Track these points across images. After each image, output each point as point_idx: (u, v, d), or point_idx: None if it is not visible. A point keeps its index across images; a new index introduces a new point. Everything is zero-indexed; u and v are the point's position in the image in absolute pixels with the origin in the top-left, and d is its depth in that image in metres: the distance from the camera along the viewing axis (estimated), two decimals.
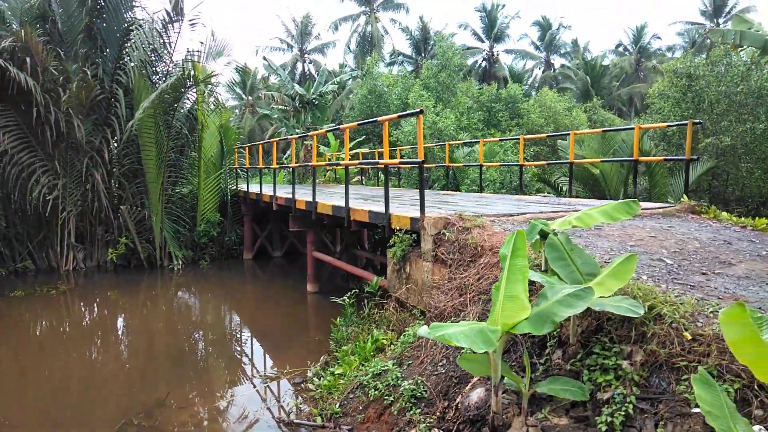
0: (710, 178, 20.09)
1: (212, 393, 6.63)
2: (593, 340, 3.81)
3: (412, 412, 4.33)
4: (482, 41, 44.76)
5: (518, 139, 13.01)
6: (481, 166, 14.84)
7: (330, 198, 10.69)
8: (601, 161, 12.83)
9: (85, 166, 13.71)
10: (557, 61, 49.61)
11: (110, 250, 13.99)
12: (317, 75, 34.97)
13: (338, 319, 7.61)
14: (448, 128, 20.88)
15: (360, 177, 22.03)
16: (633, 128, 8.91)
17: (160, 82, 14.41)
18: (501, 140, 15.38)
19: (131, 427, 5.58)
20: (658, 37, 71.93)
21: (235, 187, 16.59)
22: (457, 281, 5.38)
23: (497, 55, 45.32)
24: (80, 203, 14.15)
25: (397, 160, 8.13)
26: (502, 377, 3.68)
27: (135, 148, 14.15)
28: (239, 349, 8.66)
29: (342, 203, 8.67)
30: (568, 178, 21.24)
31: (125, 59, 13.97)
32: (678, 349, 3.37)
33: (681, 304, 3.71)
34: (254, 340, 9.06)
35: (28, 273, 13.79)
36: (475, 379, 4.20)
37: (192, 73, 13.73)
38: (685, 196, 7.99)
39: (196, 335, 9.40)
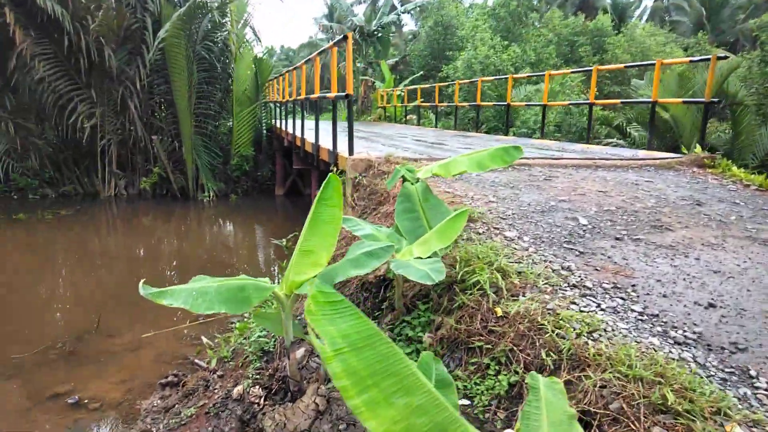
0: None
1: (152, 325, 6.75)
2: (417, 306, 3.26)
3: (253, 365, 4.05)
4: None
5: (590, 70, 10.74)
6: (544, 105, 12.77)
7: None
8: (621, 102, 11.09)
9: (120, 95, 14.21)
10: None
11: (143, 179, 14.66)
12: (398, 3, 33.54)
13: None
14: (504, 64, 19.24)
15: (415, 116, 21.10)
16: (654, 63, 7.50)
17: None
18: (565, 73, 13.35)
19: (53, 350, 5.82)
20: None
21: (270, 122, 16.59)
22: None
23: None
24: (120, 132, 14.81)
25: (317, 95, 7.44)
26: (299, 339, 3.26)
27: (165, 77, 14.41)
28: None
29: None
30: (637, 124, 19.18)
31: None
32: (478, 327, 2.76)
33: (518, 273, 3.04)
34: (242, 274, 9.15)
35: (75, 196, 14.88)
36: None
37: (201, 1, 13.46)
38: (698, 146, 6.70)
39: (184, 265, 9.66)
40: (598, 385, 2.16)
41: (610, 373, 2.15)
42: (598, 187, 5.16)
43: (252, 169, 16.05)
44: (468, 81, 15.94)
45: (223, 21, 14.70)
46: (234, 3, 14.82)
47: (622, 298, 2.89)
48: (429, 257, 3.03)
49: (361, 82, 26.80)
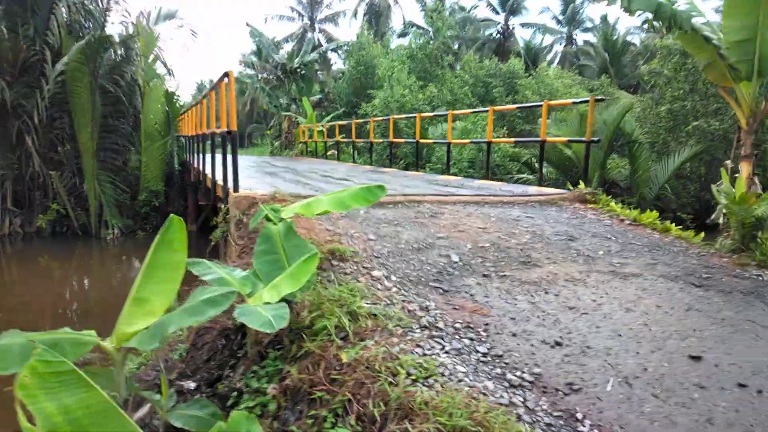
0: (697, 164, 18.63)
1: None
2: (268, 354, 3.08)
3: None
4: (497, 13, 42.88)
5: (487, 111, 11.49)
6: (448, 143, 13.46)
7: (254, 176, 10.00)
8: (514, 141, 11.72)
9: (17, 129, 13.30)
10: (580, 37, 47.21)
11: (39, 216, 13.67)
12: (325, 41, 33.95)
13: None
14: (419, 104, 19.79)
15: (334, 151, 21.17)
16: (542, 105, 7.92)
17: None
18: (465, 113, 14.05)
19: None
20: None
21: (183, 156, 16.05)
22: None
23: (513, 28, 43.46)
24: (16, 167, 13.81)
25: (212, 129, 7.33)
26: (135, 396, 2.99)
27: (68, 111, 13.67)
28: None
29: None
30: (539, 160, 20.15)
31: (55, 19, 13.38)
32: (321, 375, 2.62)
33: (372, 315, 2.95)
34: None
35: None
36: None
37: (104, 34, 13.05)
38: (581, 182, 7.03)
39: (65, 309, 8.95)
40: None
41: (431, 423, 2.06)
42: (479, 223, 5.24)
43: (162, 204, 15.38)
44: (382, 118, 16.18)
45: (130, 55, 14.21)
46: (141, 37, 14.39)
47: (470, 339, 2.86)
48: (279, 301, 2.89)
49: (285, 118, 26.69)
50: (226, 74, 5.56)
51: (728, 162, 6.44)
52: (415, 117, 14.98)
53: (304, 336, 2.83)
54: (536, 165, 19.66)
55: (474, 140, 14.95)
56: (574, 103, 8.56)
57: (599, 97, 7.23)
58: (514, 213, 5.89)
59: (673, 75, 18.70)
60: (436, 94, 22.31)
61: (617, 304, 3.52)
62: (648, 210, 6.02)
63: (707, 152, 18.15)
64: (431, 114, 14.44)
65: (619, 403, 2.37)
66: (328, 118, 23.74)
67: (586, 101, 7.07)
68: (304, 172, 10.96)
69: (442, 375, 2.45)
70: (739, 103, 6.01)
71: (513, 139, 13.05)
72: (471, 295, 3.50)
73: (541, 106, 7.98)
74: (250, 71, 36.00)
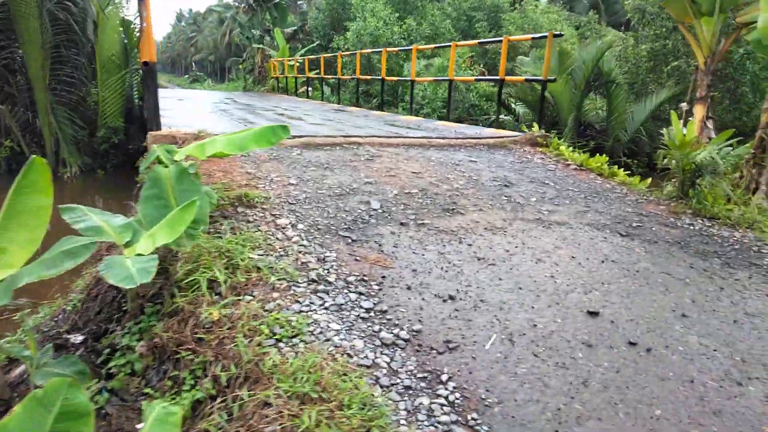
0: (675, 106, 18.31)
1: None
2: (145, 310, 2.90)
3: None
4: None
5: (449, 46, 11.04)
6: (412, 81, 12.99)
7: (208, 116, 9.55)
8: (475, 79, 11.36)
9: None
10: None
11: None
12: None
13: None
14: (395, 38, 18.97)
15: (306, 88, 20.41)
16: (501, 40, 7.50)
17: None
18: (429, 48, 13.49)
19: None
20: None
21: (141, 92, 15.36)
22: None
23: None
24: None
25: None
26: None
27: (14, 39, 12.84)
28: None
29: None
30: (519, 101, 19.66)
31: None
32: (188, 334, 2.45)
33: (256, 269, 2.76)
34: None
35: None
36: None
37: None
38: (535, 124, 6.76)
39: None
40: (262, 405, 1.92)
41: (272, 390, 1.92)
42: (416, 167, 5.01)
43: (122, 141, 14.83)
44: (349, 53, 15.48)
45: None
46: None
47: (359, 293, 2.70)
48: (154, 252, 2.68)
49: (257, 51, 25.61)
50: None
51: (683, 104, 6.19)
52: (379, 51, 14.35)
53: (176, 291, 2.64)
54: (513, 105, 19.26)
55: (437, 78, 14.34)
56: (533, 38, 8.06)
57: (557, 33, 6.84)
58: (458, 156, 5.66)
59: (657, 12, 18.01)
60: (414, 27, 21.41)
61: (530, 254, 3.37)
62: (622, 153, 5.78)
63: (686, 94, 17.83)
64: (397, 49, 13.79)
65: (494, 363, 2.24)
66: (302, 51, 22.79)
67: (545, 36, 6.68)
68: (259, 111, 10.52)
69: (311, 334, 2.29)
70: (698, 40, 5.69)
71: (473, 77, 12.55)
72: (379, 245, 3.32)
73: (501, 42, 7.54)
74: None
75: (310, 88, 20.27)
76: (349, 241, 3.35)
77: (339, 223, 3.59)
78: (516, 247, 3.48)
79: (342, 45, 19.55)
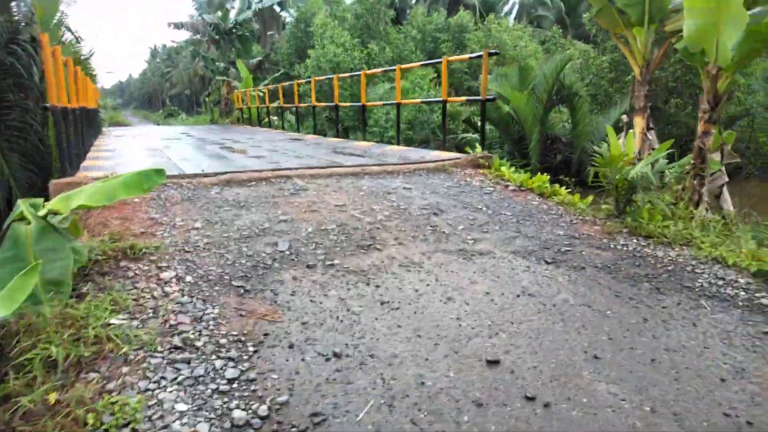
0: None
1: None
2: None
3: None
4: None
5: (394, 69, 10.93)
6: (363, 105, 12.84)
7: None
8: (421, 102, 11.37)
9: None
10: None
11: None
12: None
13: None
14: (355, 63, 18.89)
15: (267, 118, 20.07)
16: (441, 61, 7.31)
17: None
18: (375, 72, 13.25)
19: None
20: None
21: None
22: None
23: None
24: None
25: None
26: None
27: None
28: None
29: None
30: (442, 121, 19.74)
31: None
32: (23, 421, 2.10)
33: (108, 339, 2.42)
34: None
35: None
36: None
37: None
38: (477, 145, 6.54)
39: None
40: None
41: None
42: (342, 199, 4.72)
43: None
44: (305, 81, 15.32)
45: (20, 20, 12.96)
46: (37, 4, 13.12)
47: (229, 358, 2.38)
48: None
49: (223, 83, 25.46)
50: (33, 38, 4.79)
51: (624, 117, 6.02)
52: (342, 77, 14.24)
53: (9, 372, 2.30)
54: (478, 123, 19.17)
55: (385, 102, 14.15)
56: (471, 57, 7.78)
57: (492, 51, 6.66)
58: (393, 184, 5.40)
59: None
60: (377, 52, 21.43)
61: (441, 293, 3.08)
62: (589, 165, 5.50)
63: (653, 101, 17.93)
64: (347, 75, 13.63)
65: None
66: (266, 81, 22.65)
67: (480, 56, 6.50)
68: (207, 145, 10.23)
69: (149, 420, 1.96)
70: (632, 51, 5.54)
71: (419, 100, 12.49)
72: (275, 295, 3.01)
73: (461, 60, 7.34)
74: (187, 34, 34.12)
75: (274, 118, 20.06)
76: (241, 292, 3.04)
77: (235, 272, 3.27)
78: (428, 285, 3.19)
79: (303, 73, 19.41)
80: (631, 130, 5.67)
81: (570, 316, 2.87)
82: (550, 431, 1.98)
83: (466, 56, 9.26)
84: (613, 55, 18.39)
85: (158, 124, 35.53)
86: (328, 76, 14.49)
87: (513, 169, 6.03)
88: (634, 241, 4.00)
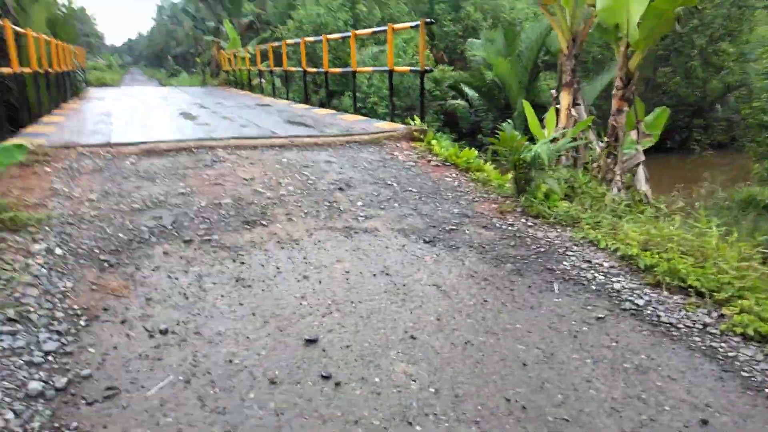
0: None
1: None
2: None
3: None
4: None
5: (348, 35, 10.55)
6: (304, 71, 12.39)
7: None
8: (372, 70, 11.16)
9: None
10: None
11: None
12: None
13: None
14: (338, 24, 18.50)
15: (259, 80, 19.95)
16: (386, 29, 7.16)
17: None
18: (336, 37, 12.84)
19: None
20: None
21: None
22: None
23: None
24: None
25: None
26: None
27: None
28: None
29: None
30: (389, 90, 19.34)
31: None
32: None
33: None
34: None
35: None
36: None
37: None
38: (416, 117, 6.51)
39: None
40: None
41: None
42: (253, 173, 4.78)
43: None
44: (276, 44, 14.99)
45: None
46: None
47: (55, 332, 2.48)
48: None
49: (213, 44, 25.13)
50: None
51: (553, 91, 5.96)
52: (330, 39, 13.86)
53: None
54: (466, 90, 18.90)
55: (344, 69, 13.82)
56: (411, 27, 7.52)
57: (429, 20, 6.53)
58: (317, 157, 5.43)
59: None
60: (365, 13, 20.99)
61: (300, 271, 3.16)
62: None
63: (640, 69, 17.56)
64: (337, 36, 13.36)
65: (141, 413, 2.03)
66: (254, 42, 22.30)
67: (417, 25, 6.38)
68: (170, 108, 10.21)
69: None
70: (559, 24, 5.43)
71: (371, 69, 12.24)
72: (137, 270, 3.11)
73: (385, 30, 7.18)
74: None
75: (263, 80, 19.84)
76: (105, 266, 3.13)
77: (108, 245, 3.36)
78: (293, 263, 3.27)
79: (285, 35, 19.08)
80: (558, 106, 5.62)
81: (414, 295, 2.94)
82: (326, 410, 2.08)
83: (407, 24, 8.70)
84: None
85: (162, 84, 35.18)
86: (317, 38, 14.22)
87: (448, 142, 6.03)
88: (523, 221, 4.04)
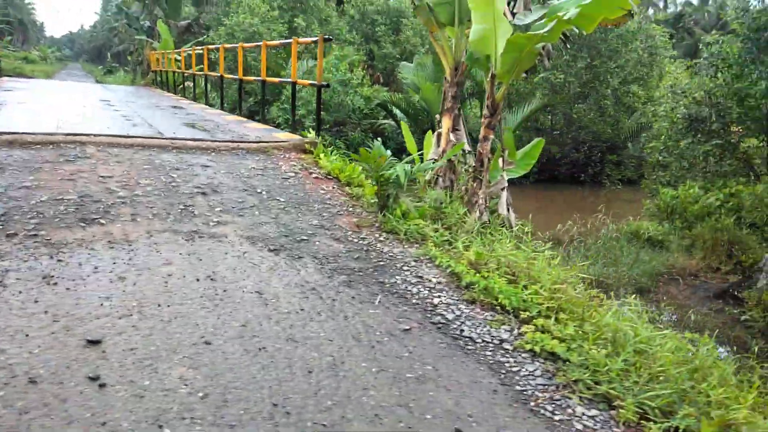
0: (547, 116, 18.96)
1: None
2: None
3: None
4: None
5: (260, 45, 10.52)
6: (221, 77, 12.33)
7: None
8: (279, 81, 11.23)
9: None
10: None
11: None
12: None
13: None
14: (272, 35, 18.43)
15: (183, 84, 19.45)
16: (290, 41, 7.20)
17: None
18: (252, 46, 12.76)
19: None
20: None
21: None
22: None
23: None
24: None
25: None
26: None
27: None
28: None
29: None
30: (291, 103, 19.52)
31: None
32: None
33: None
34: None
35: None
36: None
37: None
38: (311, 131, 6.54)
39: None
40: None
41: None
42: (116, 171, 4.63)
43: None
44: (214, 48, 14.78)
45: None
46: None
47: None
48: None
49: (146, 44, 24.41)
50: None
51: (437, 115, 6.17)
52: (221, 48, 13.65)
53: None
54: (393, 109, 19.19)
55: (259, 78, 13.81)
56: (312, 41, 7.55)
57: (327, 36, 6.64)
58: (195, 161, 5.34)
59: None
60: (303, 27, 21.04)
61: (120, 271, 3.07)
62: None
63: (552, 105, 18.43)
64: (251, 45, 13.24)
65: None
66: (189, 45, 21.84)
67: (315, 40, 6.46)
68: (72, 105, 9.79)
69: None
70: (444, 51, 5.65)
71: (277, 79, 12.29)
72: None
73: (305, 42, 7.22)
74: None
75: (191, 84, 19.39)
76: None
77: None
78: (114, 263, 3.17)
79: (216, 41, 18.82)
80: (439, 130, 5.81)
81: (231, 301, 2.91)
82: (77, 411, 2.00)
83: (309, 39, 8.71)
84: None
85: (97, 81, 33.57)
86: (233, 45, 14.04)
87: (335, 157, 6.07)
88: (376, 236, 4.11)
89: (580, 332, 2.89)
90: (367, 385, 2.36)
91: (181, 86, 19.61)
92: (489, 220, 4.86)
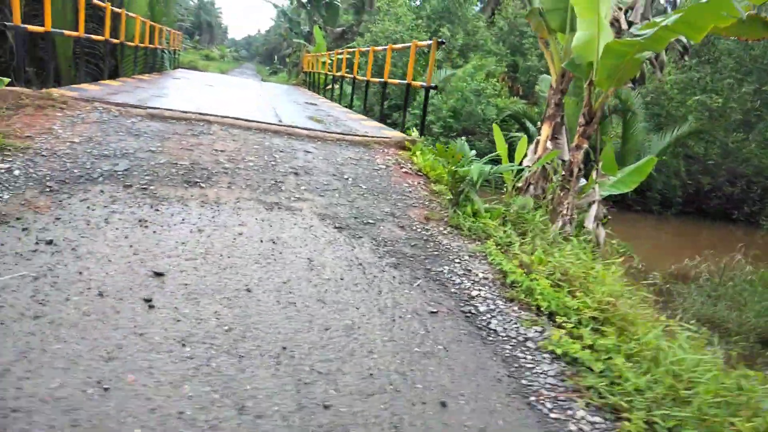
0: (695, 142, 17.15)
1: None
2: None
3: None
4: None
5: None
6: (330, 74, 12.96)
7: None
8: (379, 81, 11.23)
9: None
10: None
11: None
12: None
13: None
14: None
15: (332, 85, 20.87)
16: (387, 48, 7.43)
17: None
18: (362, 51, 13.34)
19: None
20: None
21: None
22: None
23: None
24: None
25: None
26: None
27: None
28: None
29: None
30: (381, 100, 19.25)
31: None
32: None
33: None
34: None
35: None
36: None
37: None
38: (415, 129, 6.75)
39: None
40: None
41: None
42: (229, 147, 5.24)
43: None
44: (336, 52, 15.62)
45: None
46: None
47: None
48: None
49: (302, 47, 26.54)
50: None
51: (539, 123, 5.97)
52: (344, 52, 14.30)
53: None
54: (527, 123, 18.74)
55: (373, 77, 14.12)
56: (417, 45, 7.63)
57: (440, 41, 6.76)
58: (300, 146, 5.83)
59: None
60: (447, 36, 21.41)
61: (200, 225, 3.53)
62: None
63: (706, 131, 16.69)
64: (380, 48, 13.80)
65: None
66: (341, 49, 23.37)
67: (430, 43, 6.64)
68: (233, 95, 11.05)
69: None
70: (552, 57, 5.49)
71: (378, 79, 12.29)
72: (69, 197, 3.61)
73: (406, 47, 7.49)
74: None
75: (336, 86, 20.73)
76: (45, 190, 3.66)
77: (60, 176, 3.90)
78: (199, 218, 3.65)
79: (360, 47, 19.85)
80: (538, 137, 5.67)
81: (282, 262, 3.22)
82: (130, 324, 2.41)
83: (425, 43, 8.82)
84: (679, 75, 17.26)
85: (262, 80, 37.33)
86: (383, 47, 14.79)
87: (432, 155, 6.22)
88: (440, 229, 4.20)
89: (618, 346, 2.74)
90: (373, 349, 2.50)
91: (330, 87, 21.08)
92: (572, 233, 4.67)
